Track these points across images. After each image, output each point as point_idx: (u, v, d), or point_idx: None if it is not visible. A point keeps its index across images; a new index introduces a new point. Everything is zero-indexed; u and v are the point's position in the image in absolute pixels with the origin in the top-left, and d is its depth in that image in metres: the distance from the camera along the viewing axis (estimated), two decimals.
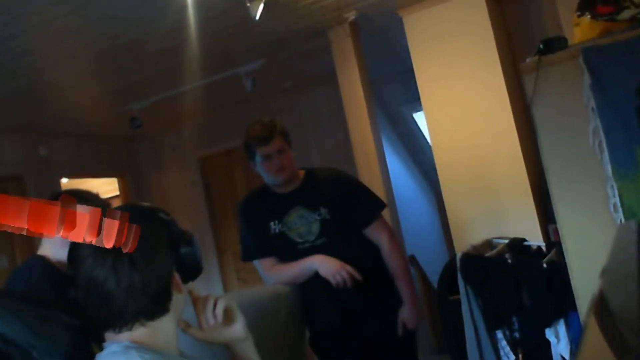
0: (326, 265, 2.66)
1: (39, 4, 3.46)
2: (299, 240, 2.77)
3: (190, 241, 1.38)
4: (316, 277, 2.71)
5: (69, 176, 6.82)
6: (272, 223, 2.80)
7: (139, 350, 1.26)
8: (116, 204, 7.23)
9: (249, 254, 2.93)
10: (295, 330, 2.78)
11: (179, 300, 1.37)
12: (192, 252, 1.38)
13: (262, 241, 2.85)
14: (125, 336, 1.30)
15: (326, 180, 2.89)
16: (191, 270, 1.39)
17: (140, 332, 1.30)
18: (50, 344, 1.34)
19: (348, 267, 2.63)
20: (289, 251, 2.78)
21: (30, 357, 1.32)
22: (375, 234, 2.86)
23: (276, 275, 2.83)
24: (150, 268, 1.28)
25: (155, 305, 1.32)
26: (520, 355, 3.03)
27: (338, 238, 2.77)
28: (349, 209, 2.80)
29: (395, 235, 3.12)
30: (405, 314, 2.82)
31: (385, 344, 2.84)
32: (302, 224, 2.77)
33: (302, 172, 2.88)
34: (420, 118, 6.78)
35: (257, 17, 3.80)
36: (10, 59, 4.20)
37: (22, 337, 1.33)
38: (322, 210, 2.76)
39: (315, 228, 2.76)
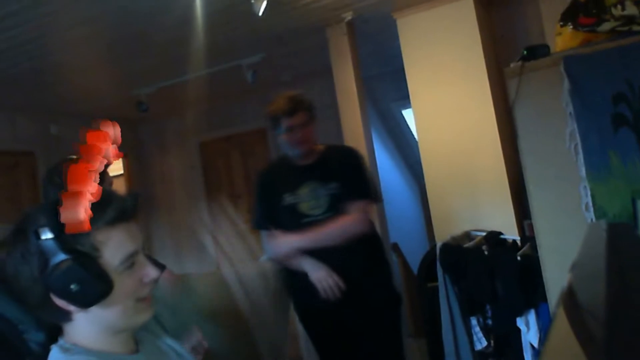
0: (315, 272, 2.63)
1: None
2: (307, 212, 2.71)
3: None
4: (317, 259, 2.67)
5: None
6: (285, 195, 2.75)
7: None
8: (120, 182, 7.22)
9: (259, 223, 2.88)
10: (280, 307, 2.77)
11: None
12: None
13: (271, 212, 2.81)
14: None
15: (340, 155, 2.85)
16: None
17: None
18: (37, 318, 1.26)
19: (335, 277, 2.59)
20: (295, 223, 2.72)
21: (18, 330, 1.28)
22: (353, 209, 2.69)
23: (276, 246, 2.78)
24: None
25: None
26: (491, 341, 3.04)
27: (342, 213, 2.69)
28: (350, 183, 2.72)
29: (368, 220, 2.82)
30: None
31: (372, 334, 2.78)
32: (313, 197, 2.72)
33: (321, 147, 2.84)
34: (408, 115, 6.77)
35: (260, 13, 3.78)
36: (25, 42, 4.15)
37: (10, 311, 1.27)
38: (333, 185, 2.70)
39: (324, 202, 2.70)
